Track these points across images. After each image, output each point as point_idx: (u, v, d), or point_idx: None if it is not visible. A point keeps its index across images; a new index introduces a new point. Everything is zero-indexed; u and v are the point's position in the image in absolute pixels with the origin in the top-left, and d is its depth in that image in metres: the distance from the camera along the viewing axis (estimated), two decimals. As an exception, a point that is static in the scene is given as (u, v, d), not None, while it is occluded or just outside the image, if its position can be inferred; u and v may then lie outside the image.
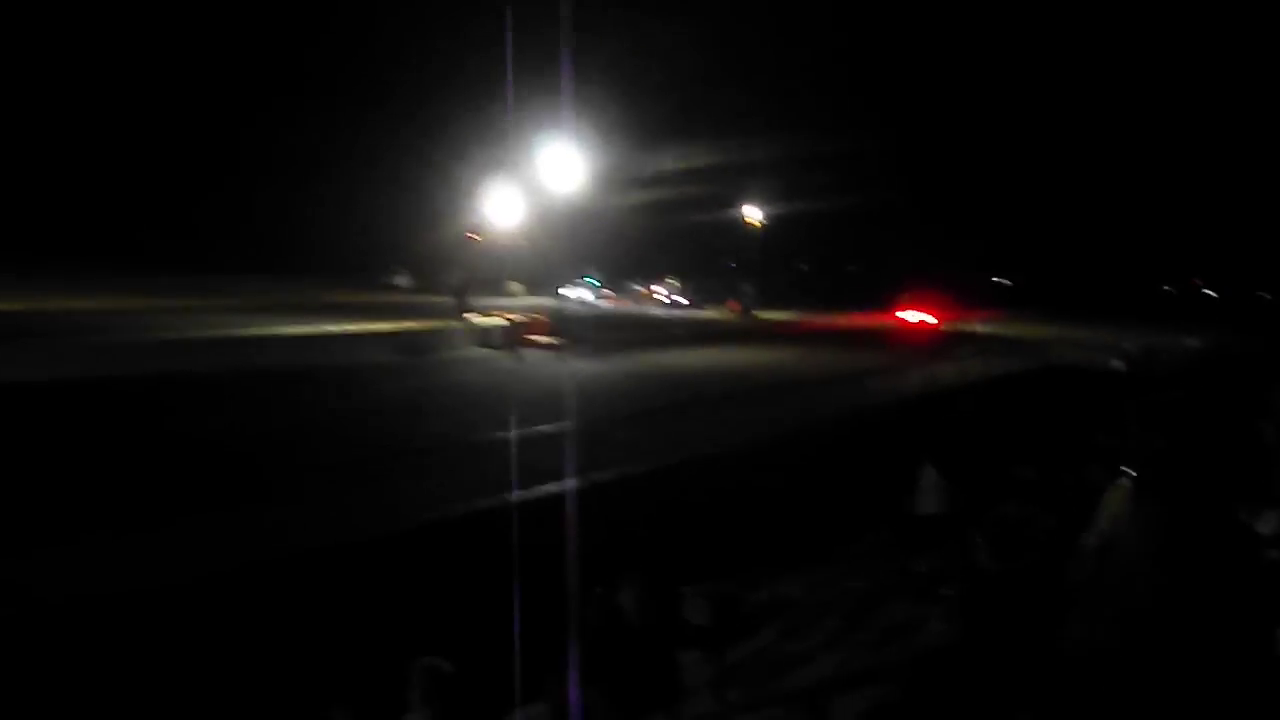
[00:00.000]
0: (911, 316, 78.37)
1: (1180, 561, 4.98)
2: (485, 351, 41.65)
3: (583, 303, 79.09)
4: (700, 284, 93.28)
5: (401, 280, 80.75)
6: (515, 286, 77.76)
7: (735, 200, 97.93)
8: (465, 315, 45.09)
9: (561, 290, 57.74)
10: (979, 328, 70.45)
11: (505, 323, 44.23)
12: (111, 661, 12.14)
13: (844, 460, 24.93)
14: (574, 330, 47.03)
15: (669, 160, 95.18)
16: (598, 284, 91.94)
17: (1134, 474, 5.56)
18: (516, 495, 17.88)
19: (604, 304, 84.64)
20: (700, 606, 11.04)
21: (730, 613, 11.35)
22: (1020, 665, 5.18)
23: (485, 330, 43.88)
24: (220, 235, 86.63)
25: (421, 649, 7.71)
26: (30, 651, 11.84)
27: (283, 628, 13.48)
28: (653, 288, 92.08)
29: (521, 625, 10.37)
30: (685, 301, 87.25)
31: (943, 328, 72.86)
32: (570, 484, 19.12)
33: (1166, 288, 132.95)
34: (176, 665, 12.44)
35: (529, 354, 40.54)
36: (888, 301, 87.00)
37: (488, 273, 73.79)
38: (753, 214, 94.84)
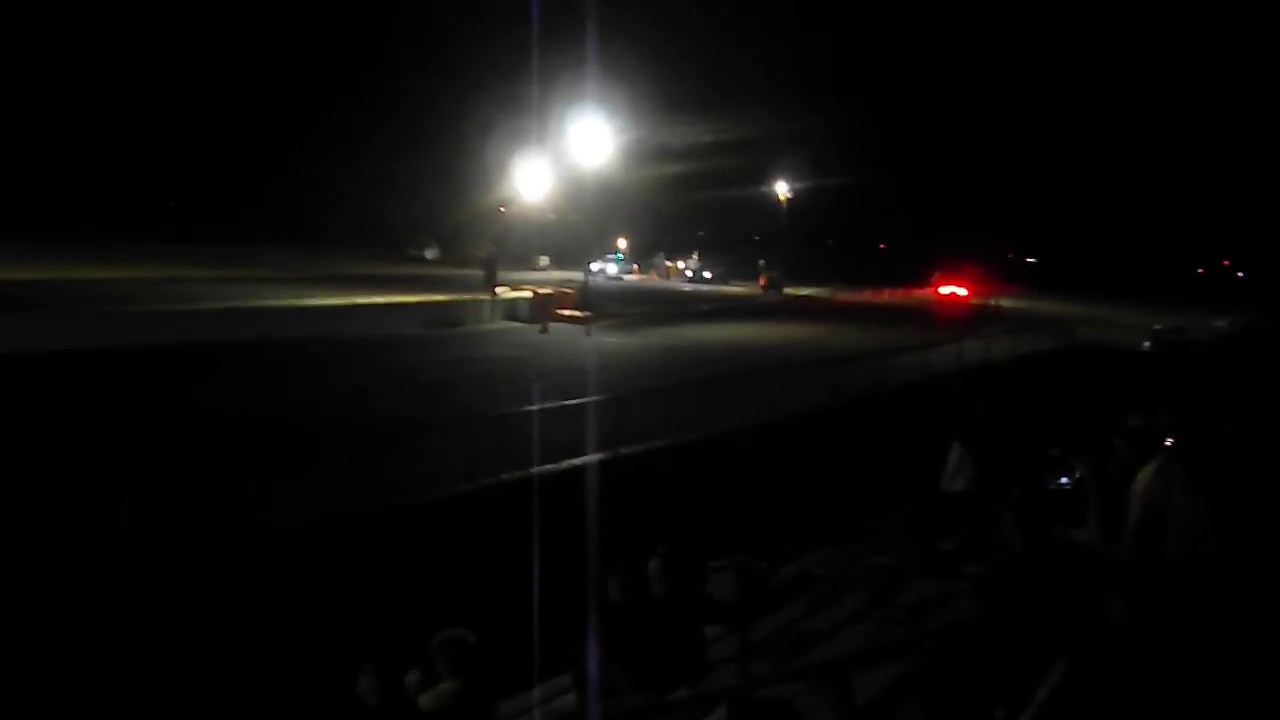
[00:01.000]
0: (946, 289, 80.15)
1: (1236, 536, 4.98)
2: (513, 324, 41.69)
3: (610, 277, 79.03)
4: (727, 259, 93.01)
5: (430, 253, 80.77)
6: (543, 260, 77.73)
7: (763, 175, 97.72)
8: (493, 288, 45.08)
9: (590, 264, 57.55)
10: (1006, 304, 70.27)
11: (533, 296, 44.22)
12: (158, 617, 12.29)
13: (872, 436, 24.91)
14: (601, 304, 47.04)
15: (697, 134, 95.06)
16: (625, 258, 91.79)
17: (1178, 451, 5.52)
18: (543, 469, 17.93)
19: (631, 278, 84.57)
20: (726, 581, 11.05)
21: (756, 587, 11.35)
22: (1048, 642, 5.15)
23: (513, 303, 43.89)
24: (250, 207, 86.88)
25: (449, 618, 7.74)
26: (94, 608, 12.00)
27: (314, 595, 13.59)
28: (679, 262, 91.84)
29: (547, 598, 10.40)
30: (711, 276, 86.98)
31: (973, 300, 73.67)
32: (596, 458, 19.16)
33: (1198, 269, 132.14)
34: (215, 627, 12.57)
35: (556, 327, 40.54)
36: (915, 277, 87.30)
37: (516, 246, 73.83)
38: (780, 189, 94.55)
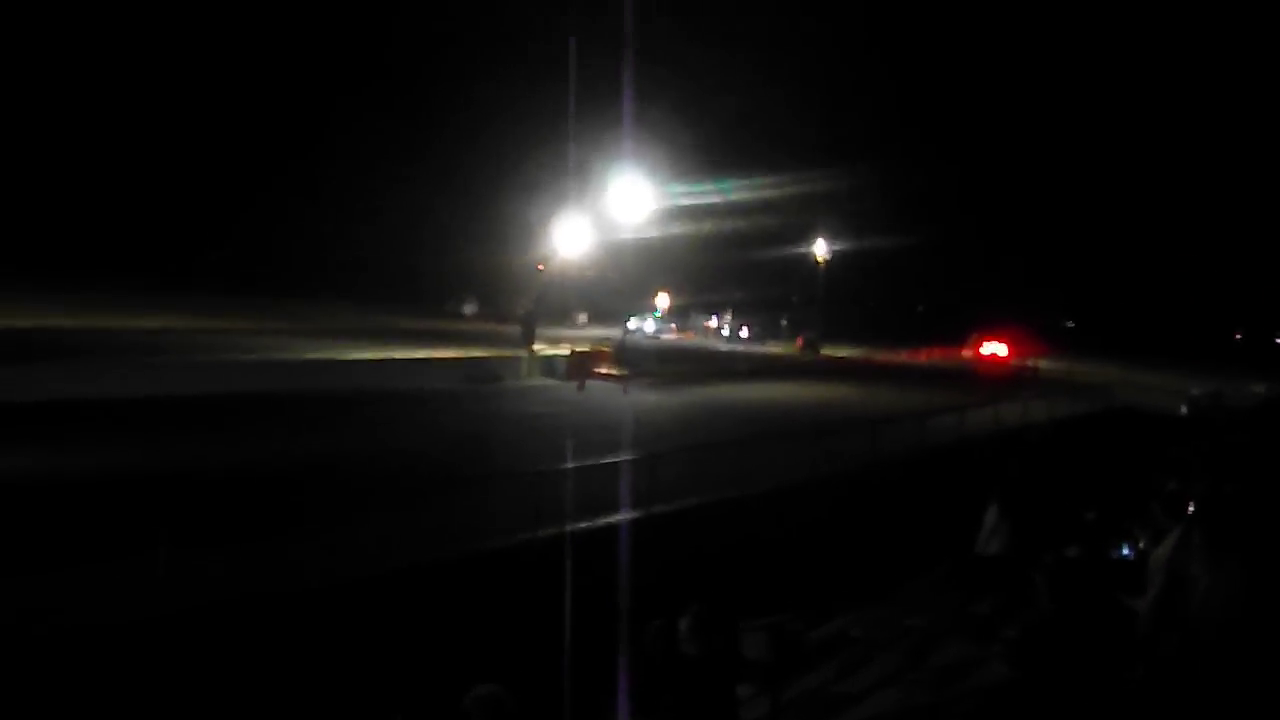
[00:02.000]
0: (986, 349, 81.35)
1: (1261, 613, 4.96)
2: (550, 381, 41.84)
3: (647, 335, 79.20)
4: (764, 319, 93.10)
5: (469, 308, 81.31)
6: (581, 317, 78.03)
7: (802, 235, 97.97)
8: (531, 345, 45.32)
9: (627, 322, 57.75)
10: (1044, 366, 70.22)
11: (570, 353, 44.38)
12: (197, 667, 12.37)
13: (907, 498, 24.82)
14: (638, 362, 47.14)
15: (735, 194, 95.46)
16: (662, 316, 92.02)
17: (1204, 522, 5.52)
18: (577, 526, 17.96)
19: (668, 336, 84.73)
20: (758, 641, 11.02)
21: (788, 648, 11.32)
22: (1080, 705, 5.18)
23: (550, 360, 44.08)
24: (293, 260, 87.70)
25: (481, 673, 7.77)
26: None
27: (347, 648, 13.63)
28: (716, 321, 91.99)
29: (580, 655, 10.42)
30: (748, 335, 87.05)
31: (1013, 361, 74.36)
32: (630, 515, 19.19)
33: (1236, 334, 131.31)
34: (250, 678, 12.63)
35: (593, 385, 40.66)
36: (953, 338, 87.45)
37: (554, 303, 74.13)
38: (819, 249, 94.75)
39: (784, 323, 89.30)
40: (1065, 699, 5.50)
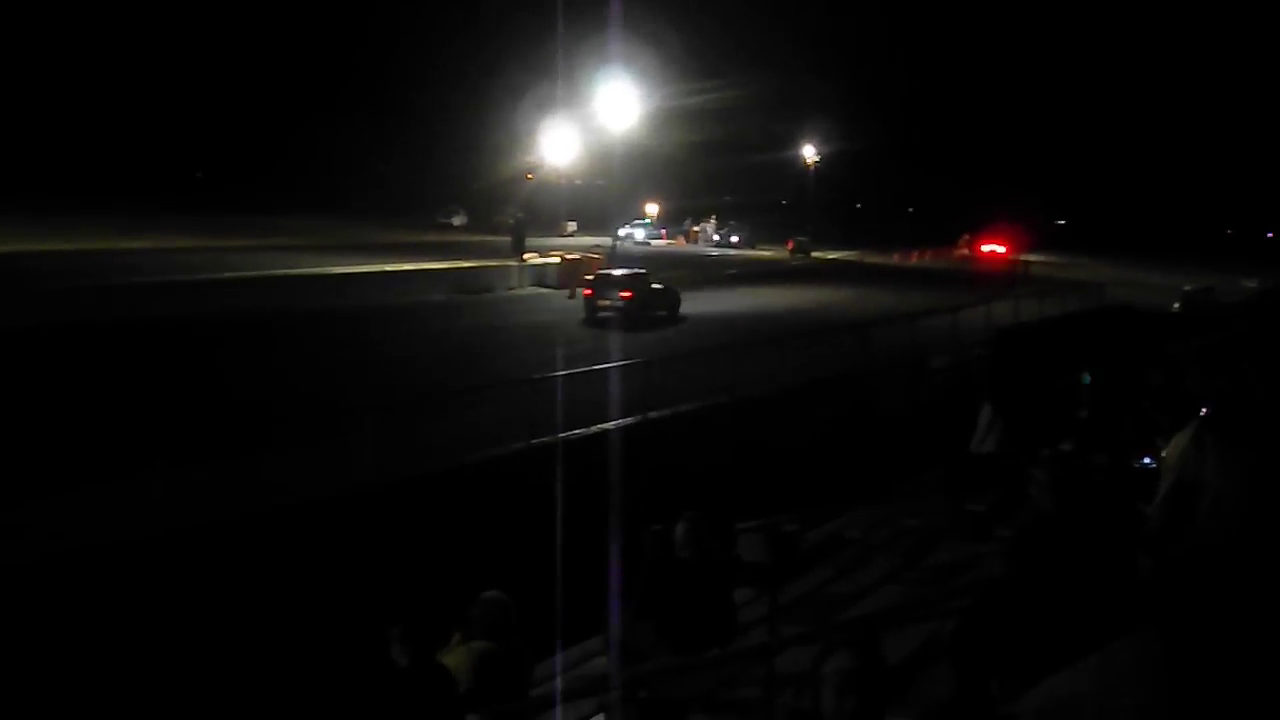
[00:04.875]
0: (985, 248, 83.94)
1: (1270, 505, 4.92)
2: (541, 290, 41.72)
3: (637, 242, 78.90)
4: (755, 223, 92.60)
5: (458, 219, 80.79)
6: (570, 225, 77.67)
7: (790, 139, 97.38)
8: (521, 254, 45.12)
9: (617, 230, 57.47)
10: (1037, 264, 70.35)
11: (561, 261, 44.21)
12: (195, 582, 12.40)
13: (901, 399, 24.86)
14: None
15: (724, 98, 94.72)
16: (652, 223, 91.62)
17: (1211, 421, 5.45)
18: (571, 433, 17.94)
19: (659, 243, 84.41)
20: (756, 543, 11.05)
21: (785, 550, 11.36)
22: (1080, 597, 5.12)
23: (541, 269, 43.92)
24: (276, 177, 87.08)
25: (480, 582, 7.76)
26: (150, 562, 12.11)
27: (343, 561, 13.67)
28: (707, 227, 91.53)
29: (577, 562, 10.43)
30: (738, 240, 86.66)
31: (1012, 257, 75.40)
32: (624, 422, 19.18)
33: (1227, 230, 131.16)
34: (249, 592, 12.68)
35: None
36: (944, 239, 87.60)
37: (543, 212, 73.72)
38: (807, 153, 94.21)
39: (802, 226, 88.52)
40: (1064, 592, 5.43)
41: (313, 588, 13.08)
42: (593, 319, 34.25)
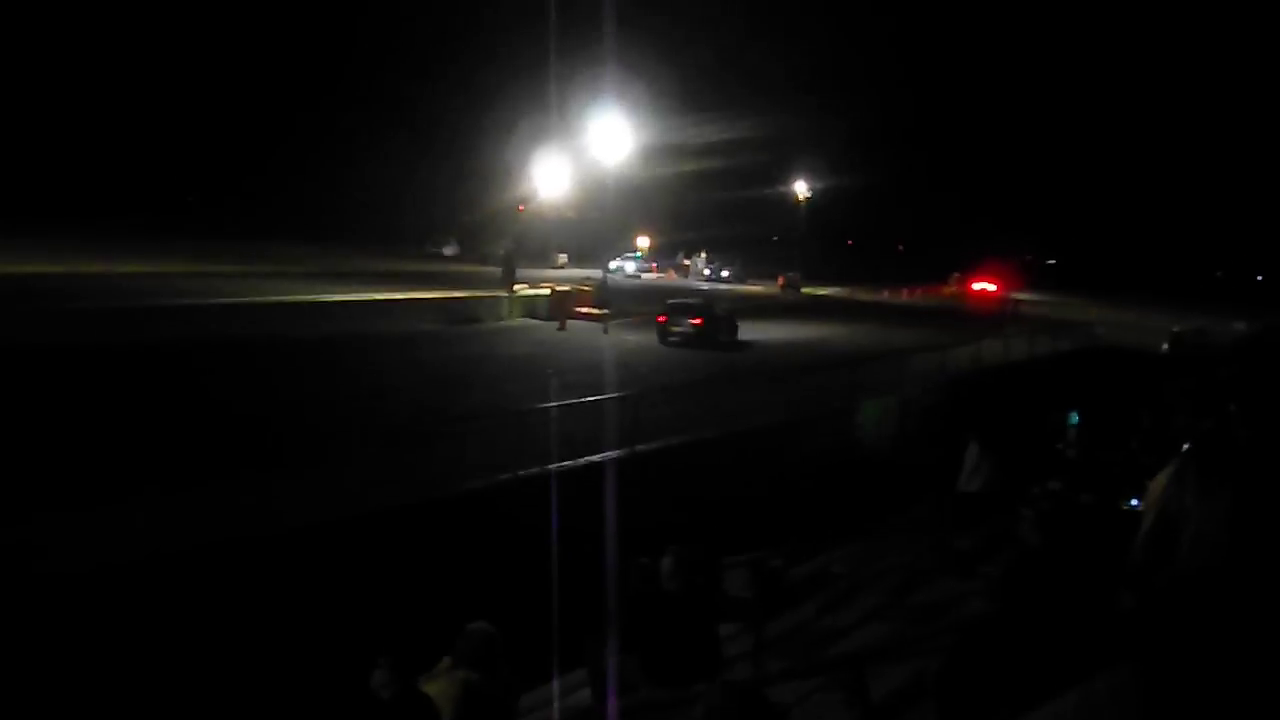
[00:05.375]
0: (976, 286, 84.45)
1: (1250, 540, 4.94)
2: (531, 321, 41.78)
3: (628, 275, 79.09)
4: (746, 257, 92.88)
5: (449, 249, 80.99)
6: (561, 257, 77.80)
7: (782, 175, 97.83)
8: (512, 285, 45.20)
9: (608, 262, 57.68)
10: (1026, 303, 70.67)
11: (551, 293, 44.28)
12: (178, 609, 12.35)
13: (888, 436, 24.89)
14: (619, 302, 47.07)
15: (716, 133, 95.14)
16: (643, 257, 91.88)
17: (1194, 455, 5.47)
18: (560, 465, 17.94)
19: (649, 276, 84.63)
20: (742, 578, 11.05)
21: (772, 585, 11.34)
22: (1063, 634, 5.16)
23: (531, 300, 43.98)
24: (270, 203, 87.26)
25: (466, 613, 7.77)
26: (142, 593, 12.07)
27: (330, 590, 13.63)
28: (698, 261, 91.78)
29: (563, 593, 10.42)
30: (728, 275, 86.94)
31: (1002, 295, 76.08)
32: (612, 454, 19.18)
33: (1217, 272, 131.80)
34: (232, 620, 12.62)
35: (574, 325, 40.62)
36: (934, 277, 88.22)
37: (535, 243, 73.91)
38: (799, 188, 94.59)
39: (792, 262, 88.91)
40: (1048, 629, 5.46)
41: (295, 617, 13.03)
42: (664, 341, 39.18)
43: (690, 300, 44.49)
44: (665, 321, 40.14)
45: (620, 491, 16.20)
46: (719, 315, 42.36)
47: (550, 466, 17.63)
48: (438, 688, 7.14)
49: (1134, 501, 9.43)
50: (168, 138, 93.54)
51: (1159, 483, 5.47)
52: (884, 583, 14.05)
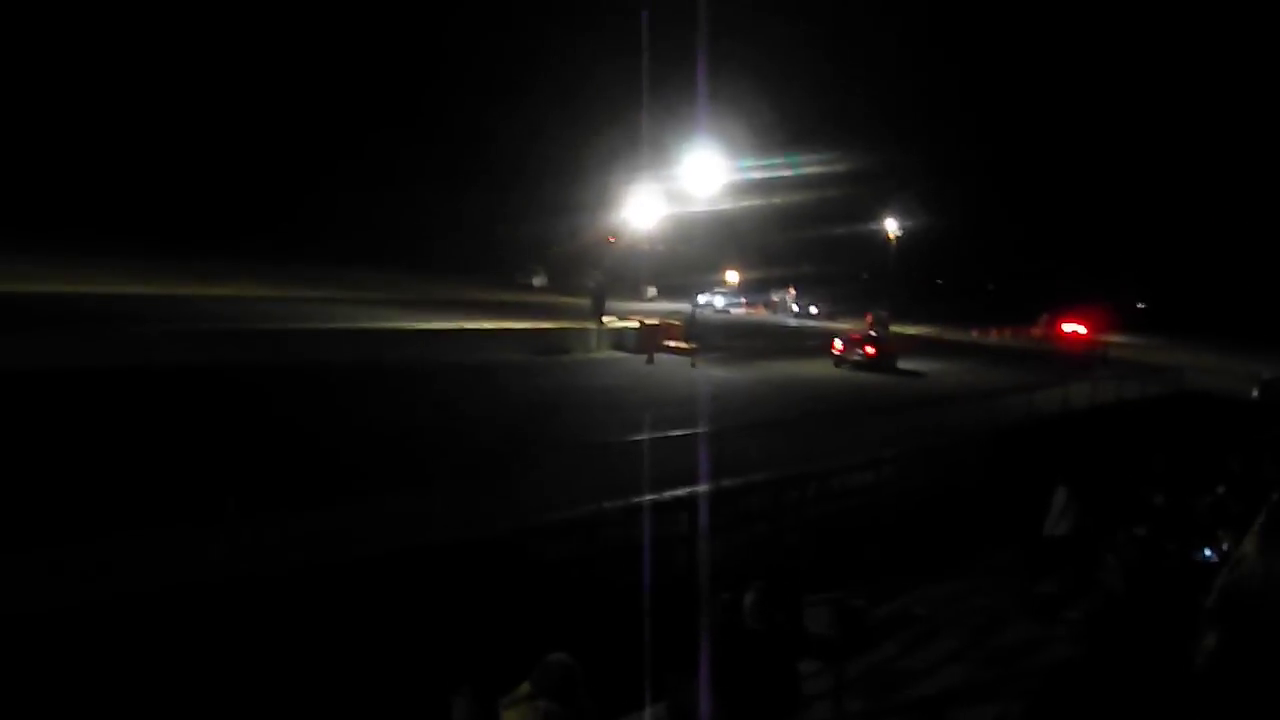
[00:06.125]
0: (1067, 328, 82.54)
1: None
2: (619, 354, 41.91)
3: (716, 309, 79.14)
4: (835, 294, 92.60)
5: (539, 280, 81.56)
6: (651, 290, 78.05)
7: (873, 212, 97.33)
8: (601, 317, 45.40)
9: (697, 296, 57.82)
10: (1115, 347, 69.78)
11: (640, 326, 44.40)
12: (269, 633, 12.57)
13: (974, 477, 24.71)
14: (707, 336, 47.15)
15: (808, 169, 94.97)
16: (731, 291, 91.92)
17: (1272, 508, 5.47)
18: (645, 498, 18.01)
19: (737, 311, 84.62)
20: (823, 616, 11.08)
21: (853, 624, 11.37)
22: (1146, 685, 5.19)
23: (620, 333, 44.12)
24: (367, 231, 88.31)
25: (545, 645, 7.87)
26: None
27: (415, 620, 13.79)
28: (786, 296, 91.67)
29: (646, 626, 10.49)
30: (817, 311, 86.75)
31: (1093, 338, 75.23)
32: (700, 489, 19.22)
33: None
34: (319, 647, 12.81)
35: (662, 358, 40.72)
36: (1024, 318, 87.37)
37: (624, 276, 74.20)
38: (890, 226, 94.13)
39: (881, 300, 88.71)
40: (1129, 678, 5.49)
41: (380, 647, 13.18)
42: (839, 364, 46.67)
43: (870, 332, 54.79)
44: (843, 352, 47.42)
45: (705, 525, 16.30)
46: (887, 345, 49.62)
47: (635, 500, 17.70)
48: (517, 715, 7.21)
49: (1207, 552, 9.37)
50: (264, 165, 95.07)
51: (1249, 541, 5.46)
52: (965, 625, 14.01)
